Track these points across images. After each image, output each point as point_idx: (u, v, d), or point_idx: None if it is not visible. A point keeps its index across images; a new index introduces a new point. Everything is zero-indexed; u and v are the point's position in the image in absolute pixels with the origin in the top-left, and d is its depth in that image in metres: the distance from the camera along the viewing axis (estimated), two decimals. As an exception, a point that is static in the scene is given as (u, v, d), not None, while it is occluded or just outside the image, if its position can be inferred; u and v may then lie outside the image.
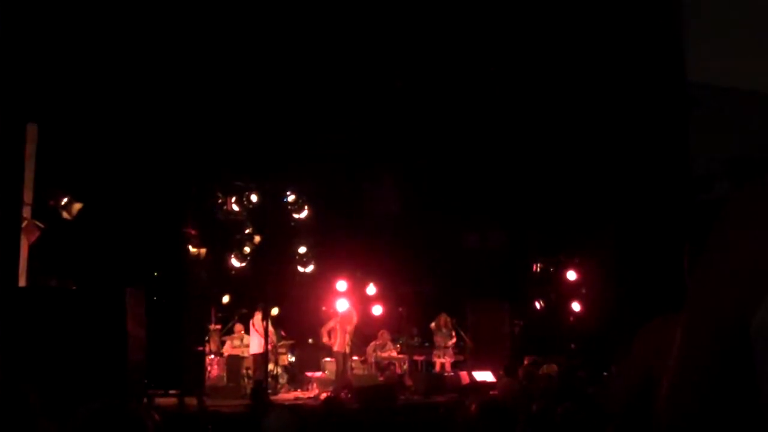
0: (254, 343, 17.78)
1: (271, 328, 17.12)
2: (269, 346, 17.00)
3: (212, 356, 18.29)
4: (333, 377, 17.83)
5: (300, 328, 19.07)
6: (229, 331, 18.83)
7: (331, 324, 18.17)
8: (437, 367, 18.76)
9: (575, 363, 16.63)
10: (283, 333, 18.68)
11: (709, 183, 17.53)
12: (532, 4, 17.86)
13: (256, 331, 17.60)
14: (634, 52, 18.36)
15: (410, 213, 20.01)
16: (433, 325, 18.85)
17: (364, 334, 18.98)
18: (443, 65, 18.25)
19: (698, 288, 1.90)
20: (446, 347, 18.62)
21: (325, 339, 18.21)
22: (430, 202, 19.85)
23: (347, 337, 18.00)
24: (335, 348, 18.09)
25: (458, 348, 18.85)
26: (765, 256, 1.74)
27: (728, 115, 17.60)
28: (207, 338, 18.13)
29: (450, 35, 17.73)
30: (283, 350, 18.63)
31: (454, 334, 18.80)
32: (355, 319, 18.21)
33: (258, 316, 17.58)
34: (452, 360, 18.75)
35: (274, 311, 18.35)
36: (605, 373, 15.52)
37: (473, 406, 5.15)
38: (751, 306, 1.76)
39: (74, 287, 13.49)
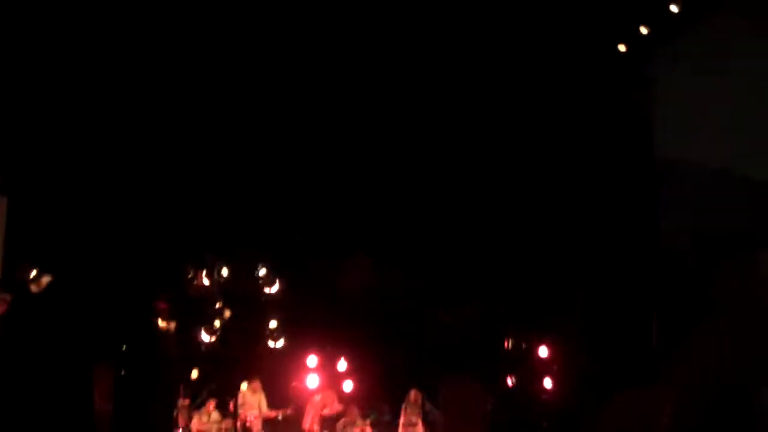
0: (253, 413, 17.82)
1: (262, 401, 17.37)
2: (241, 421, 17.19)
3: (181, 430, 17.96)
4: None
5: (269, 404, 18.57)
6: (198, 406, 18.46)
7: (313, 408, 18.17)
8: None
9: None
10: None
11: (678, 257, 17.67)
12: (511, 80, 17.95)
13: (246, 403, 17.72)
14: (604, 127, 18.56)
15: (382, 287, 19.79)
16: (404, 403, 18.65)
17: (335, 409, 18.69)
18: (414, 135, 18.23)
19: (693, 364, 1.93)
20: (415, 424, 18.41)
21: (307, 424, 18.13)
22: (401, 278, 19.67)
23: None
24: (306, 426, 18.01)
25: (428, 424, 18.60)
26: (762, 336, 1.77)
27: (697, 191, 17.81)
28: (175, 413, 17.87)
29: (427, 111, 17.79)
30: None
31: (424, 409, 18.60)
32: (334, 403, 18.25)
33: (248, 390, 17.68)
34: None
35: (244, 387, 18.27)
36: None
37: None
38: (755, 383, 1.78)
39: (39, 360, 13.24)
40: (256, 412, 17.78)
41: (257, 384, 17.99)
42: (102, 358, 15.75)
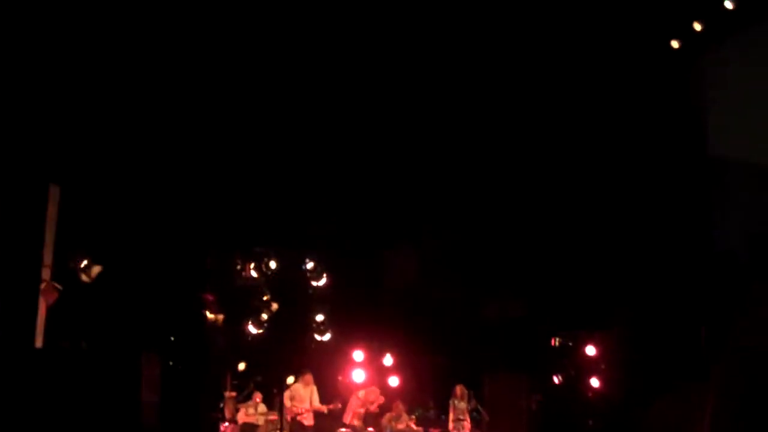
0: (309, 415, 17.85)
1: (313, 394, 17.37)
2: (292, 414, 17.20)
3: (226, 424, 18.05)
4: None
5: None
6: (245, 399, 18.67)
7: (356, 403, 18.17)
8: None
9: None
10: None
11: (730, 257, 17.42)
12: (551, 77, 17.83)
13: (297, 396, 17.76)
14: (657, 126, 18.34)
15: (429, 282, 19.85)
16: (451, 398, 18.60)
17: (379, 405, 18.76)
18: (467, 131, 18.19)
19: (742, 365, 1.93)
20: (462, 419, 18.37)
21: (348, 419, 18.14)
22: (447, 272, 19.74)
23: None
24: (347, 420, 18.08)
25: (474, 421, 18.62)
26: None
27: (750, 190, 17.53)
28: (222, 405, 18.06)
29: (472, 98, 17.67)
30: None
31: (470, 405, 18.58)
32: (379, 401, 18.26)
33: (299, 383, 17.74)
34: None
35: (290, 380, 18.36)
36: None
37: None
38: None
39: (87, 349, 13.54)
40: (307, 405, 17.80)
41: (309, 377, 17.95)
42: (150, 349, 14.99)
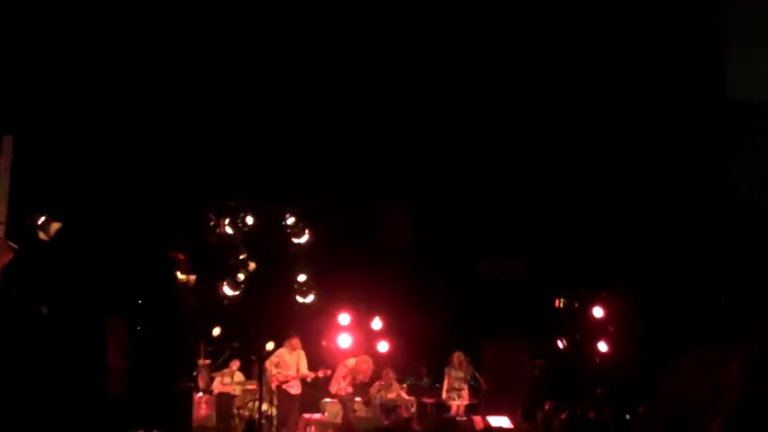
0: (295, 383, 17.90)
1: (301, 360, 17.39)
2: (278, 382, 17.32)
3: (201, 394, 18.32)
4: (333, 420, 17.85)
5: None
6: (220, 366, 18.84)
7: (342, 372, 18.20)
8: (453, 410, 18.56)
9: (580, 405, 16.38)
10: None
11: (750, 205, 17.46)
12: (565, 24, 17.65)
13: (283, 362, 17.83)
14: (672, 68, 18.27)
15: (421, 239, 19.84)
16: (447, 366, 18.76)
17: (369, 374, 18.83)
18: (463, 81, 17.84)
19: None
20: (460, 389, 18.54)
21: (334, 388, 18.21)
22: (442, 229, 19.68)
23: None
24: (334, 389, 18.17)
25: (472, 390, 18.78)
26: None
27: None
28: (195, 373, 18.23)
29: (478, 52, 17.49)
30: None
31: (469, 373, 18.72)
32: (370, 371, 18.29)
33: (285, 349, 17.79)
34: (466, 403, 18.65)
35: (269, 346, 18.41)
36: (628, 416, 15.61)
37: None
38: None
39: (48, 313, 13.41)
40: (293, 372, 17.92)
41: (296, 341, 18.04)
42: (116, 313, 15.58)
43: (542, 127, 18.40)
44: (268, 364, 17.71)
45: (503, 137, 18.63)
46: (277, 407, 18.06)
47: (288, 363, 17.91)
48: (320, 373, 18.13)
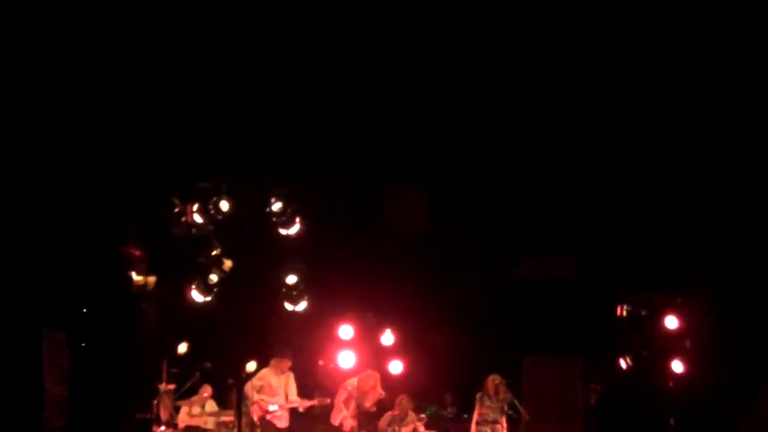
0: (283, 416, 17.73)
1: (290, 385, 17.17)
2: (261, 412, 17.20)
3: (162, 428, 17.64)
4: None
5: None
6: (187, 393, 18.23)
7: (342, 396, 17.80)
8: None
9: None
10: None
11: None
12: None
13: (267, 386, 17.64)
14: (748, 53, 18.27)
15: (442, 230, 20.00)
16: (480, 392, 18.20)
17: (377, 400, 18.24)
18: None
19: None
20: (495, 421, 17.98)
21: (337, 420, 17.86)
22: (469, 216, 19.86)
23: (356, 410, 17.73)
24: (336, 422, 17.78)
25: (510, 423, 18.28)
26: None
27: None
28: (155, 402, 17.55)
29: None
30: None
31: (506, 402, 18.15)
32: (378, 392, 17.83)
33: (270, 370, 17.58)
34: None
35: (251, 366, 18.14)
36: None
37: None
38: None
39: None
40: (281, 399, 17.54)
41: (286, 362, 17.63)
42: (54, 326, 15.85)
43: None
44: (248, 389, 17.32)
45: (544, 101, 18.99)
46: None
47: (274, 388, 17.49)
48: (315, 402, 17.72)
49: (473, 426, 18.13)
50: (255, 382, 17.35)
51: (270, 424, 17.40)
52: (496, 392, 17.93)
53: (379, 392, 17.94)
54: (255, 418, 17.27)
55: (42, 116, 15.87)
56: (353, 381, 17.96)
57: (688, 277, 19.62)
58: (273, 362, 17.48)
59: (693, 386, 19.52)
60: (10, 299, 15.22)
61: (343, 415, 17.77)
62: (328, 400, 17.74)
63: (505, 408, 18.16)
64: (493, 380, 17.96)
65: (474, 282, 20.05)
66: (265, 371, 17.50)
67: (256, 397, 17.23)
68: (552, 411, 19.09)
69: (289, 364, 17.58)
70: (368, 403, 17.67)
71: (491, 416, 17.98)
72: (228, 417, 17.80)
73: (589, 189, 19.63)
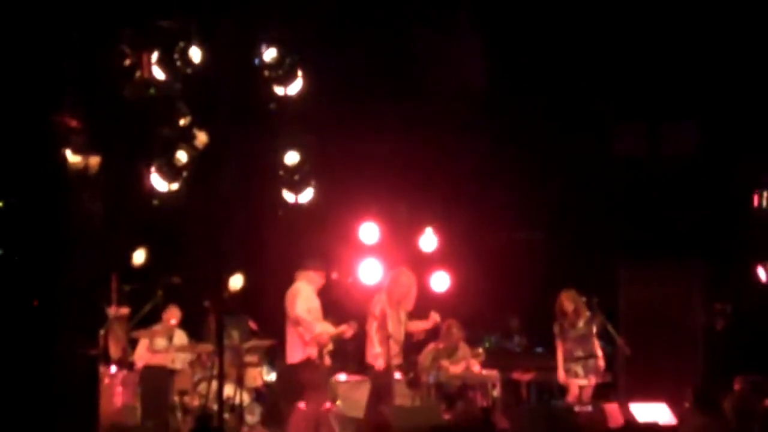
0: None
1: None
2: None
3: (113, 368, 17.89)
4: (351, 413, 17.64)
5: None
6: (147, 320, 18.28)
7: (378, 306, 16.80)
8: (570, 396, 17.74)
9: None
10: (252, 325, 18.59)
11: None
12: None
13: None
14: None
15: (505, 90, 19.82)
16: (556, 322, 17.92)
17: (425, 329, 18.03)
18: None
19: None
20: (584, 357, 17.30)
21: (377, 361, 16.77)
22: (544, 71, 19.65)
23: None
24: (378, 364, 16.72)
25: (604, 358, 17.74)
26: None
27: None
28: (103, 332, 17.56)
29: None
30: (252, 359, 18.19)
31: (598, 327, 17.58)
32: (413, 292, 16.81)
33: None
34: (596, 382, 17.67)
35: (236, 282, 18.56)
36: None
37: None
38: None
39: None
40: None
41: (320, 277, 16.87)
42: None
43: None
44: (303, 312, 16.50)
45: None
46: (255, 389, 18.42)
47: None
48: (339, 331, 16.85)
49: (560, 371, 17.55)
50: (301, 303, 16.21)
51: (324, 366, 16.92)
52: (576, 315, 17.22)
53: (413, 291, 16.95)
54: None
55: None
56: (382, 297, 16.80)
57: None
58: (310, 275, 16.62)
59: None
60: None
61: (377, 353, 16.59)
62: (352, 326, 16.70)
63: (596, 335, 17.62)
64: (573, 298, 17.41)
65: (551, 161, 20.08)
66: (307, 288, 16.44)
67: (319, 327, 16.11)
68: (661, 340, 19.07)
69: (322, 281, 16.88)
70: (403, 315, 16.56)
71: (580, 351, 17.23)
72: (204, 348, 17.73)
73: (713, 32, 19.17)
